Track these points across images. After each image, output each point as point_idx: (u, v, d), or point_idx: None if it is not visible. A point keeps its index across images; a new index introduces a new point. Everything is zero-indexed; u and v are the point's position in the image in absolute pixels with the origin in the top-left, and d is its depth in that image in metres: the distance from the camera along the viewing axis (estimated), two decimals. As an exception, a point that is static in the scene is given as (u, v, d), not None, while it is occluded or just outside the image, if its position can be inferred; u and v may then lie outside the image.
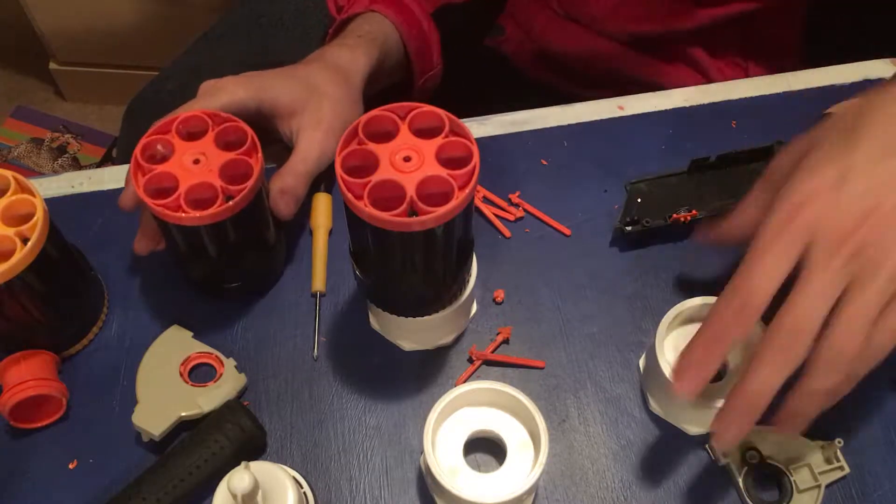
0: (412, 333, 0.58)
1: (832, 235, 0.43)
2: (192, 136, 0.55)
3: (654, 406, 0.56)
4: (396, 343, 0.59)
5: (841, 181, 0.44)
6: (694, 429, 0.55)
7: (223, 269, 0.59)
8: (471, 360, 0.59)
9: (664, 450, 0.55)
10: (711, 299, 0.54)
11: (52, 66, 1.74)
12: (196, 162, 0.53)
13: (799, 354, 0.43)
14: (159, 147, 0.54)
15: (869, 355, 0.43)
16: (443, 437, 0.52)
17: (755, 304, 0.44)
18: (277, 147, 0.63)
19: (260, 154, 0.54)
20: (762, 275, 0.44)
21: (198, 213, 0.51)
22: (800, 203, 0.44)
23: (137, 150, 0.53)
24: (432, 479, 0.50)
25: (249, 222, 0.56)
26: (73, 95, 1.81)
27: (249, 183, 0.52)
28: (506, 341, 0.60)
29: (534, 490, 0.52)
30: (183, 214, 0.51)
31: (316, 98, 0.62)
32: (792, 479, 0.52)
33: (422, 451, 0.50)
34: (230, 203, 0.52)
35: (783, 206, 0.45)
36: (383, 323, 0.59)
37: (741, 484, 0.52)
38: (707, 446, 0.54)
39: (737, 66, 0.81)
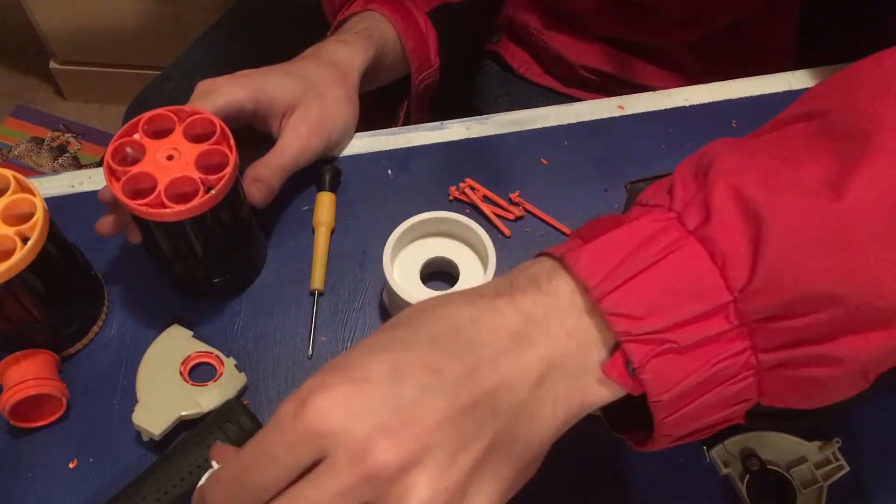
0: None
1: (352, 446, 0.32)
2: (159, 133, 0.55)
3: None
4: None
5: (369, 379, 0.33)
6: None
7: (209, 265, 0.59)
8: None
9: (664, 455, 0.55)
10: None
11: (53, 65, 1.74)
12: (170, 158, 0.53)
13: None
14: (129, 149, 0.54)
15: None
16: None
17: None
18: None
19: (232, 142, 0.54)
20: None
21: (182, 207, 0.51)
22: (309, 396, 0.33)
23: (108, 156, 0.53)
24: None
25: (231, 212, 0.56)
26: (74, 95, 1.81)
27: (227, 170, 0.53)
28: (506, 341, 0.59)
29: None
30: (167, 210, 0.51)
31: (308, 97, 0.62)
32: (794, 482, 0.52)
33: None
34: (212, 192, 0.52)
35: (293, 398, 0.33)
36: (394, 308, 0.60)
37: (744, 491, 0.52)
38: (707, 455, 0.54)
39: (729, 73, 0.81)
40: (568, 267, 0.36)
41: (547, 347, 0.35)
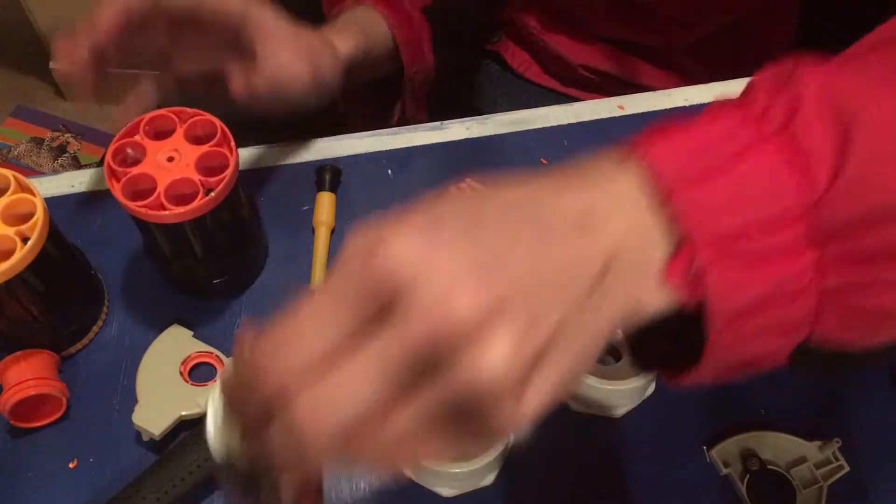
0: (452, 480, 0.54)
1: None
2: (160, 134, 0.55)
3: None
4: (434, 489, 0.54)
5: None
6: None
7: (209, 266, 0.59)
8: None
9: (664, 455, 0.55)
10: None
11: (53, 65, 1.74)
12: (170, 159, 0.53)
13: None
14: (129, 150, 0.54)
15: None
16: None
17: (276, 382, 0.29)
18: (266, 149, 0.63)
19: (233, 143, 0.54)
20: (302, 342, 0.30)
21: (181, 209, 0.51)
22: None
23: (109, 156, 0.53)
24: None
25: (231, 213, 0.56)
26: (74, 95, 1.81)
27: (228, 172, 0.53)
28: (506, 341, 0.59)
29: None
30: (166, 212, 0.51)
31: (288, 28, 0.60)
32: (794, 482, 0.52)
33: None
34: (212, 195, 0.52)
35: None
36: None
37: (744, 491, 0.52)
38: (707, 455, 0.54)
39: (729, 73, 0.81)
40: (636, 161, 0.33)
41: (610, 238, 0.32)
